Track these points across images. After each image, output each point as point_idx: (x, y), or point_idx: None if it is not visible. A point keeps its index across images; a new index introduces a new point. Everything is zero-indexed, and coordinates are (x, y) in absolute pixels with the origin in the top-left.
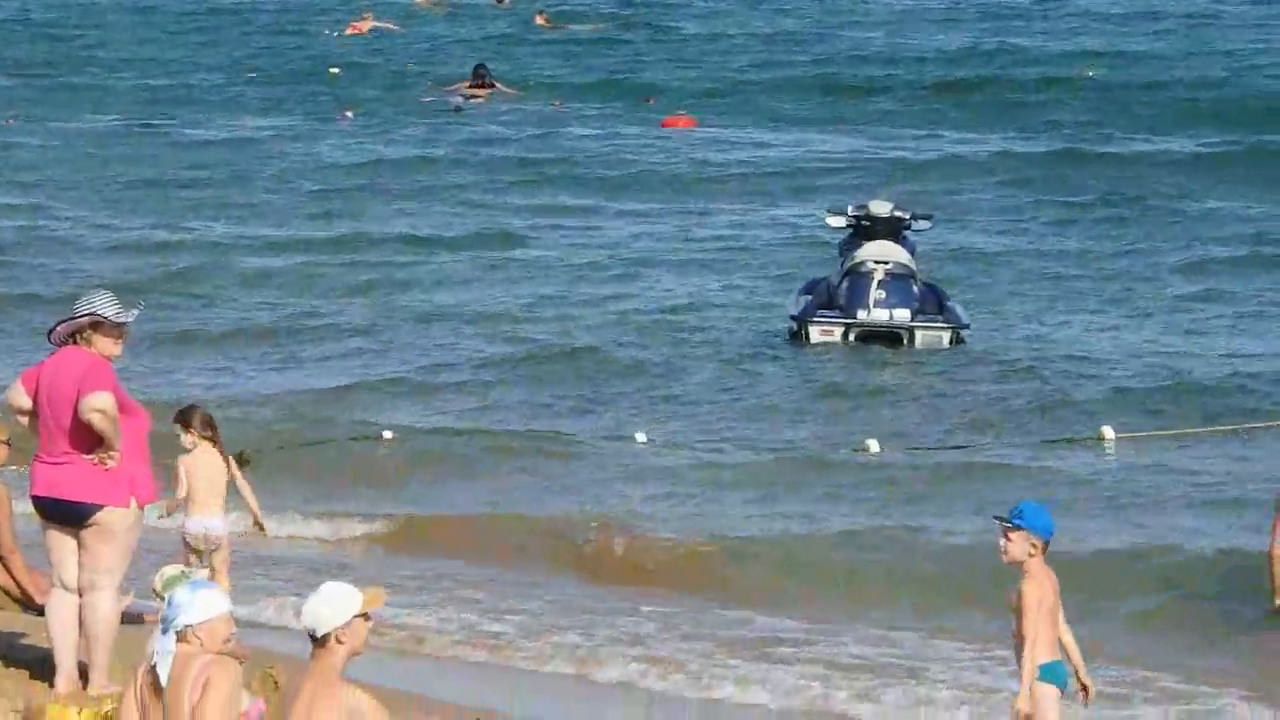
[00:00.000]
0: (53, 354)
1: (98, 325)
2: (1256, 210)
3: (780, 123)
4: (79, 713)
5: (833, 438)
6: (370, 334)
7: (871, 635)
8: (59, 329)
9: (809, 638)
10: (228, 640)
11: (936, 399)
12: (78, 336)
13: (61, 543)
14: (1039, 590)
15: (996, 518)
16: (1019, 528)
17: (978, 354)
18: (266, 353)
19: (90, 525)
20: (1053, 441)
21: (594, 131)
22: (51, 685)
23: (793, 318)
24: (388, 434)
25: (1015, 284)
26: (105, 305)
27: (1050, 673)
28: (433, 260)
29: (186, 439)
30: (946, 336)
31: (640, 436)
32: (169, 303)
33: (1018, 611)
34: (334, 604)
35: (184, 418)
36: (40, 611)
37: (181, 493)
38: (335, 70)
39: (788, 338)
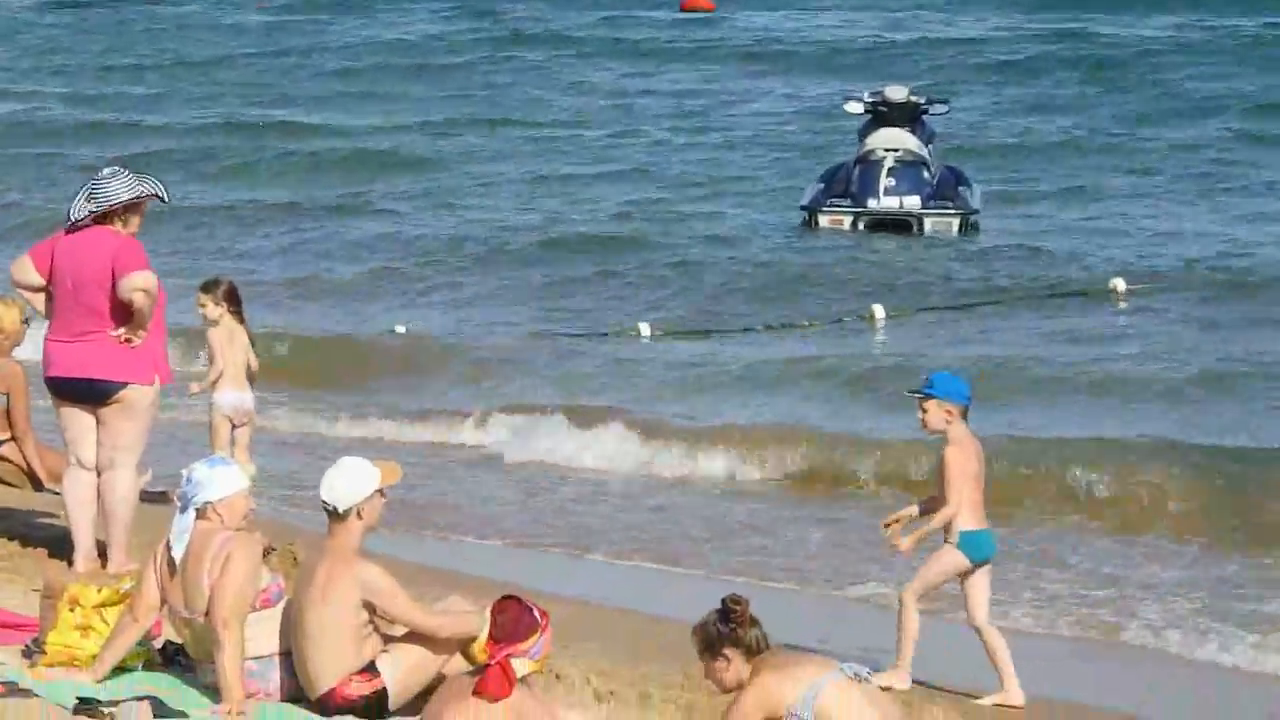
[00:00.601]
0: (70, 232)
1: (136, 206)
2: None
3: (805, 7)
4: (98, 591)
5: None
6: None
7: None
8: (80, 212)
9: None
10: (246, 516)
11: (937, 278)
12: (112, 217)
13: (79, 421)
14: (961, 455)
15: (909, 391)
16: (931, 397)
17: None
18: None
19: (113, 403)
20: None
21: (612, 13)
22: (70, 564)
23: (802, 207)
24: (400, 328)
25: (1041, 167)
26: (155, 185)
27: (970, 542)
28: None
29: (212, 311)
30: (956, 223)
31: (644, 329)
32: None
33: (940, 479)
34: (352, 479)
35: (210, 289)
36: (50, 491)
37: (216, 371)
38: None
39: (800, 225)
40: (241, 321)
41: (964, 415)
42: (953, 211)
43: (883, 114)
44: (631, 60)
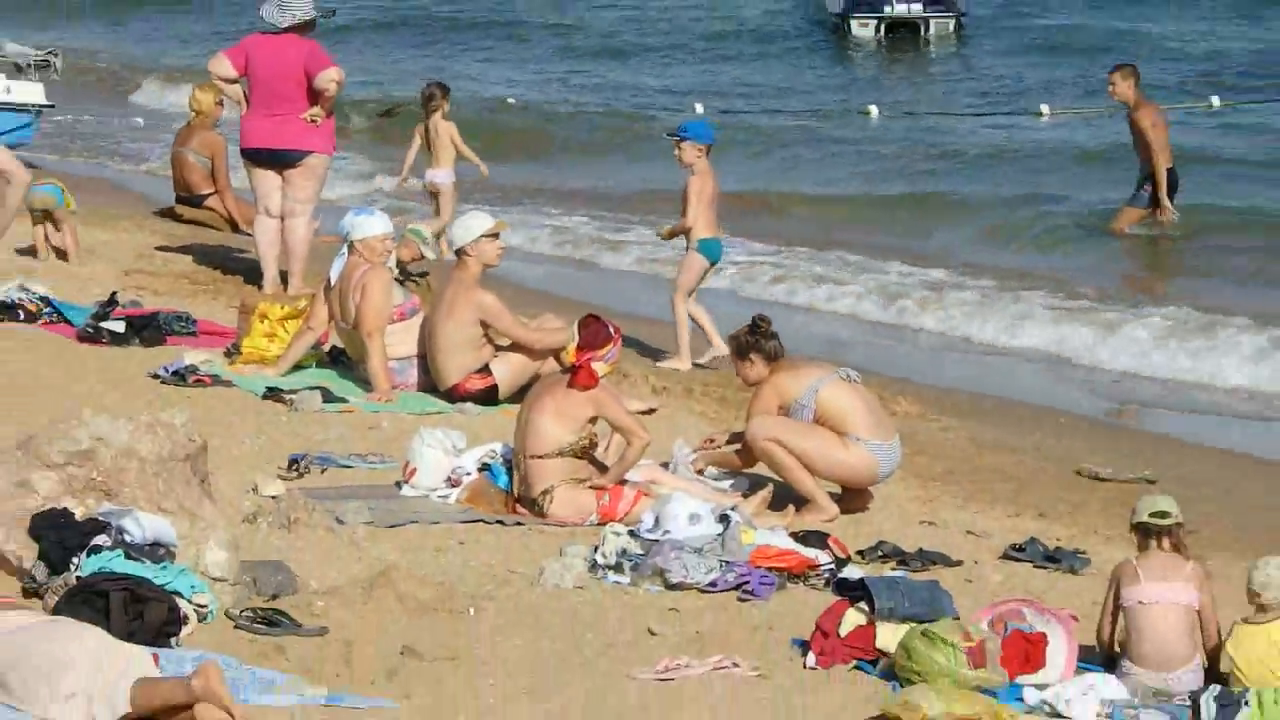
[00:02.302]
0: (263, 37)
1: (313, 22)
2: None
3: None
4: (281, 308)
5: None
6: None
7: None
8: (281, 21)
9: None
10: (383, 255)
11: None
12: (300, 27)
13: (268, 180)
14: (701, 182)
15: (666, 134)
16: (684, 138)
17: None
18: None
19: (299, 165)
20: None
21: None
22: (259, 287)
23: (835, 14)
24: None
25: None
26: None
27: (707, 248)
28: None
29: (444, 107)
30: (951, 24)
31: (698, 107)
32: None
33: (684, 200)
34: (466, 225)
35: (436, 90)
36: (243, 233)
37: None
38: None
39: (830, 30)
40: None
41: (707, 153)
42: (948, 14)
43: None
44: None
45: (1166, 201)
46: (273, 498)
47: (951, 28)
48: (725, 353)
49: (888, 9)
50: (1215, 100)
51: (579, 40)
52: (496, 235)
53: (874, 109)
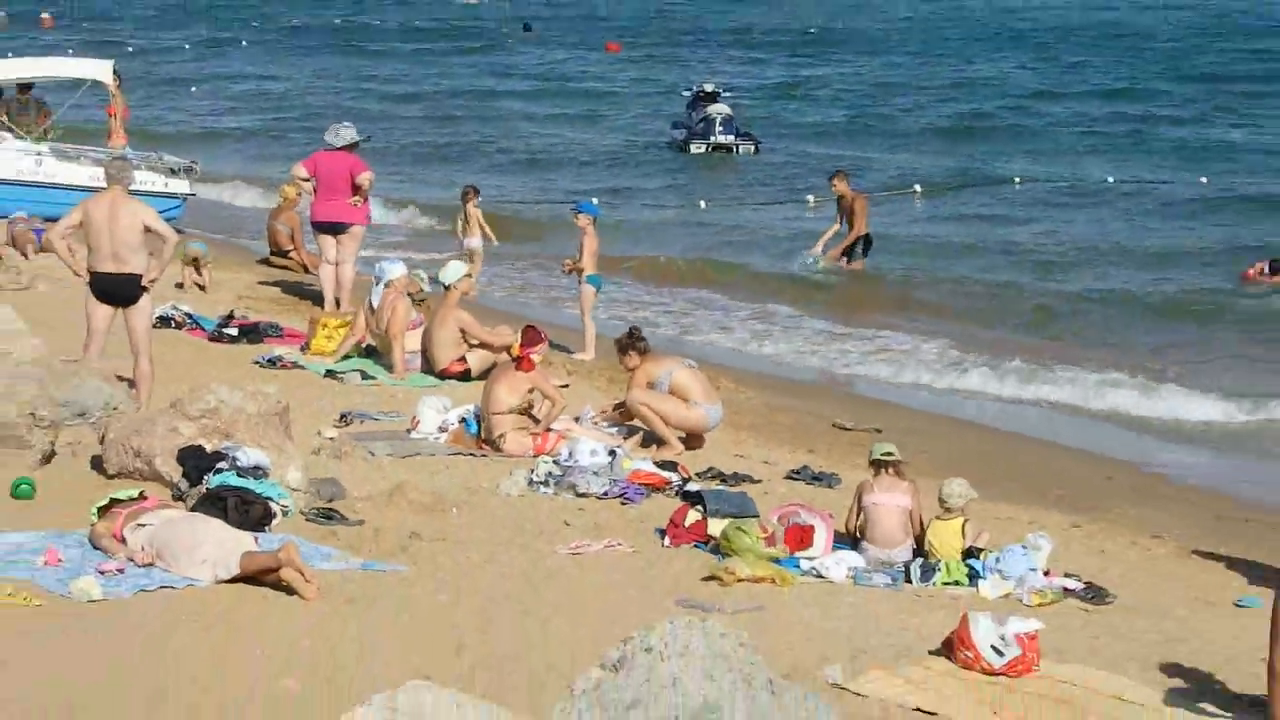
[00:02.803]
0: (324, 152)
1: (356, 144)
2: None
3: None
4: (335, 320)
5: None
6: None
7: None
8: (335, 144)
9: None
10: (404, 287)
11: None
12: (349, 146)
13: (329, 242)
14: (590, 240)
15: (570, 209)
16: (581, 212)
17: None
18: None
19: (348, 232)
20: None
21: None
22: (322, 307)
23: (678, 141)
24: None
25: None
26: (356, 132)
27: (594, 280)
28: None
29: (474, 199)
30: (753, 148)
31: (594, 200)
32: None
33: (580, 251)
34: (454, 269)
35: (471, 190)
36: (312, 274)
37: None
38: None
39: (675, 151)
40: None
41: (594, 222)
42: (750, 142)
43: (701, 95)
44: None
45: (861, 258)
46: (330, 439)
47: (753, 150)
48: (592, 358)
49: (712, 138)
50: (917, 188)
51: (505, 156)
52: (470, 275)
53: (703, 202)
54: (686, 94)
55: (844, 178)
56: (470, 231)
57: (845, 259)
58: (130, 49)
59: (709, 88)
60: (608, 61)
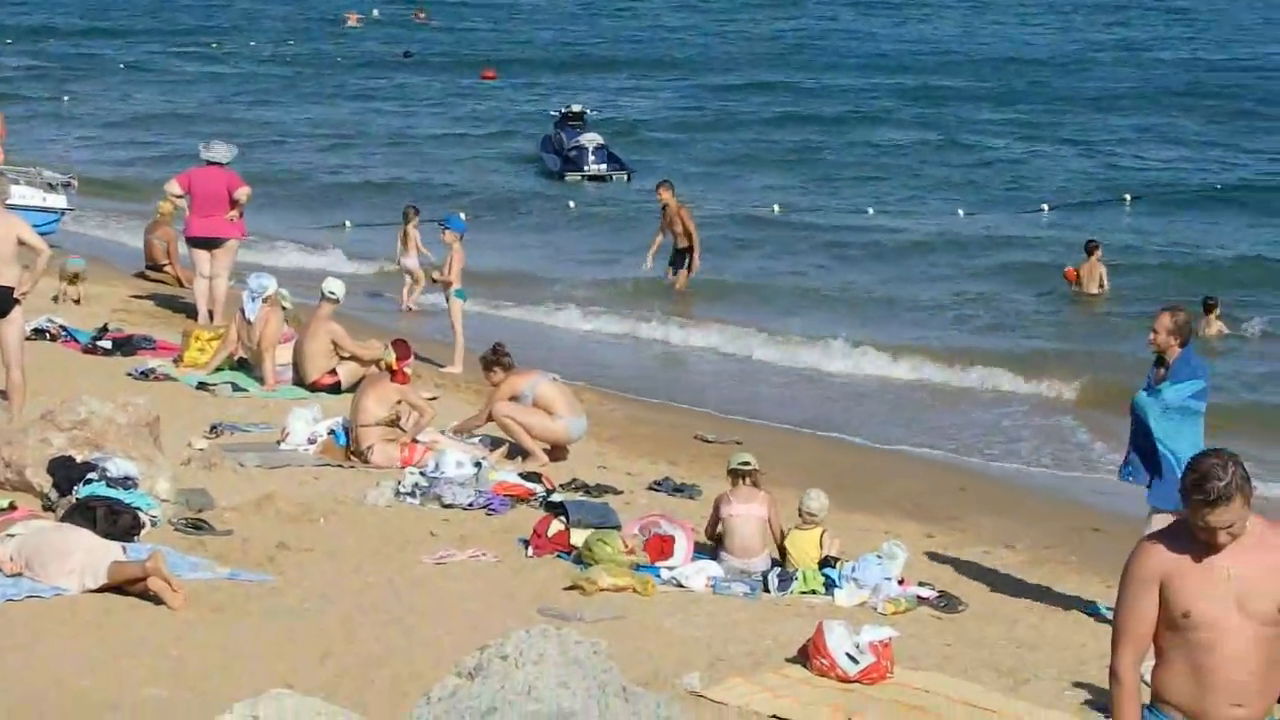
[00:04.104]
0: (199, 168)
1: (230, 164)
2: None
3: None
4: (208, 332)
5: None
6: None
7: None
8: (211, 159)
9: None
10: (275, 301)
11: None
12: (219, 163)
13: (203, 256)
14: (457, 256)
15: (437, 223)
16: (447, 228)
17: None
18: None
19: (222, 246)
20: None
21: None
22: (196, 319)
23: (556, 171)
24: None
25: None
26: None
27: (460, 294)
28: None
29: (415, 220)
30: (626, 176)
31: (461, 214)
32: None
33: (447, 265)
34: (333, 284)
35: (411, 211)
36: (186, 289)
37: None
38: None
39: (555, 180)
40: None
41: (460, 238)
42: (623, 171)
43: (567, 115)
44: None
45: (692, 269)
46: (200, 450)
47: (627, 179)
48: (460, 371)
49: (586, 169)
50: (776, 208)
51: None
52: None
53: (571, 203)
54: (554, 115)
55: (668, 187)
56: (408, 251)
57: (672, 270)
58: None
59: (575, 108)
60: (485, 88)
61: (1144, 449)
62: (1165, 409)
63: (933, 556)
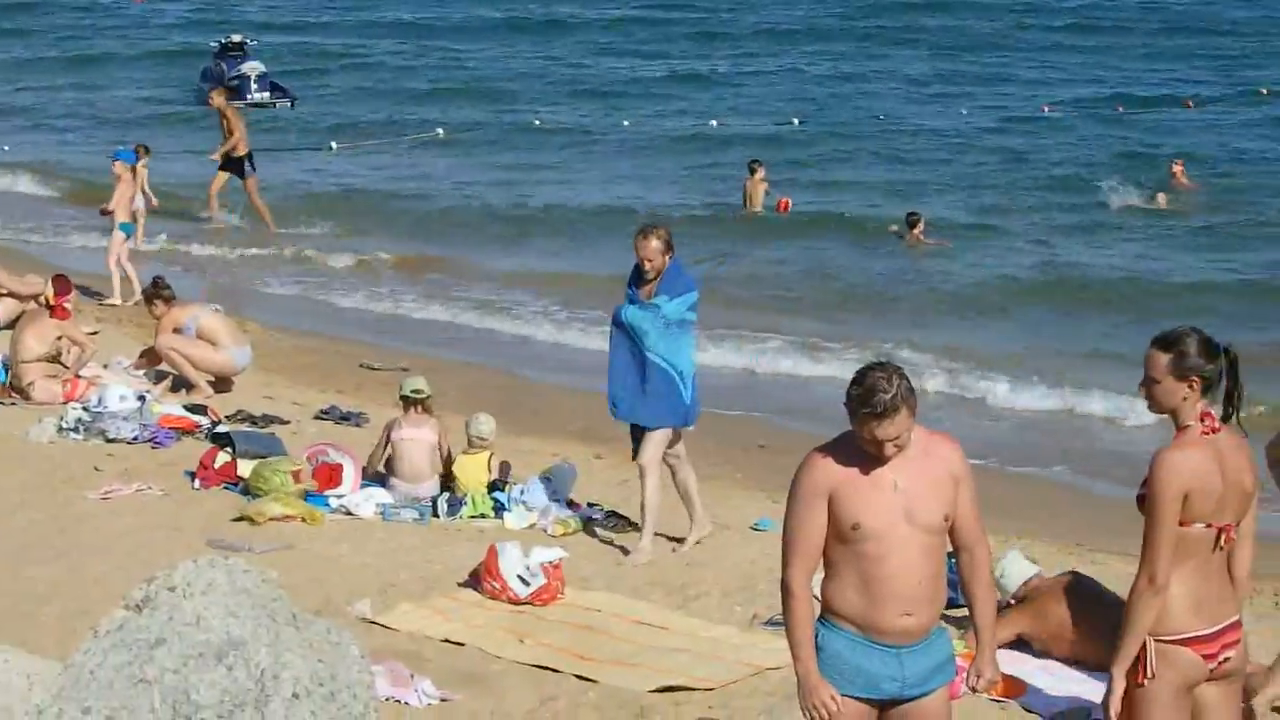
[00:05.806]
0: None
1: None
2: None
3: None
4: None
5: None
6: None
7: None
8: None
9: None
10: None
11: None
12: None
13: None
14: (125, 188)
15: (108, 155)
16: (118, 160)
17: (303, 109)
18: None
19: None
20: None
21: None
22: None
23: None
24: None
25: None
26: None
27: (125, 228)
28: None
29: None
30: (290, 103)
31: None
32: None
33: (115, 198)
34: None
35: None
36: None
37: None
38: None
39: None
40: None
41: (133, 170)
42: (287, 99)
43: (228, 46)
44: None
45: (252, 179)
46: None
47: (291, 105)
48: (120, 303)
49: (249, 97)
50: (440, 131)
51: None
52: None
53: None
54: (214, 45)
55: (222, 93)
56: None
57: (225, 171)
58: None
59: (235, 38)
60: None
61: (627, 370)
62: (666, 324)
63: (602, 477)
